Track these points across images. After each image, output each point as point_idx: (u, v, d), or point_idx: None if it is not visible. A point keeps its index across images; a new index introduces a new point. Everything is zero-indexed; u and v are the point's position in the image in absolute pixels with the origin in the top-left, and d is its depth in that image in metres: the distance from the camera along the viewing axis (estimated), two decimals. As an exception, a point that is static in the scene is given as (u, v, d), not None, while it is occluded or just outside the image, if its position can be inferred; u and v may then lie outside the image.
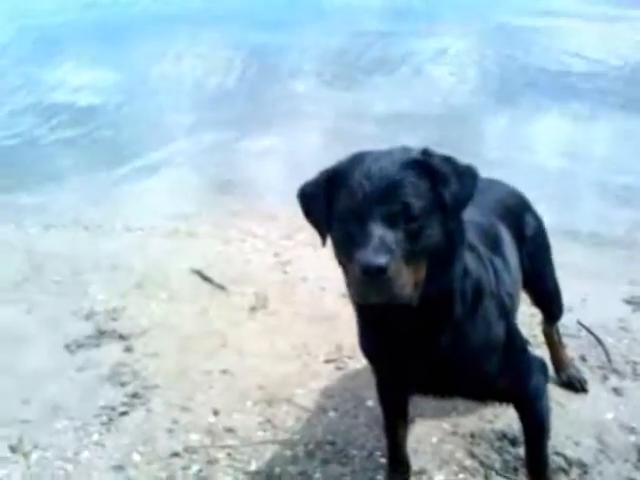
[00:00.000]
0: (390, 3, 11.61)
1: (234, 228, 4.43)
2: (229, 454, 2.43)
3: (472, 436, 2.47)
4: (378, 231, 1.46)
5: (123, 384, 2.87)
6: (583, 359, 2.94)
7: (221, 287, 3.65)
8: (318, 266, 3.85)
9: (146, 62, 8.81)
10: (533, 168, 5.17)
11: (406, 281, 1.48)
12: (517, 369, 1.93)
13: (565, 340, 2.86)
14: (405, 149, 1.64)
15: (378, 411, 2.30)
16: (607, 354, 2.96)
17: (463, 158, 1.65)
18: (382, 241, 1.45)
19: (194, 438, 2.51)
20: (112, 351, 3.13)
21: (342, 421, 2.60)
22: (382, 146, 1.66)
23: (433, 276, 1.56)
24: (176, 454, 2.44)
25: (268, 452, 2.44)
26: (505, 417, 2.50)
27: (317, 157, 5.47)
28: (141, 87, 7.91)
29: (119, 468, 2.39)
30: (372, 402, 2.63)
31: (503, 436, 2.46)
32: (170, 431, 2.56)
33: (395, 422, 2.21)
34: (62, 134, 6.60)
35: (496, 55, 8.33)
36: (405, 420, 2.23)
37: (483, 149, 5.55)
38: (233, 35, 9.99)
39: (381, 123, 6.24)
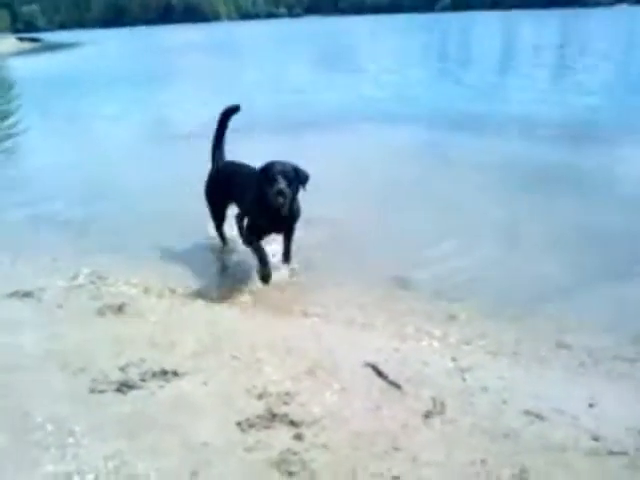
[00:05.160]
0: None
1: (411, 325, 4.31)
2: None
3: None
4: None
5: (291, 474, 2.77)
6: None
7: (396, 385, 3.51)
8: (500, 376, 3.64)
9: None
10: None
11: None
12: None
13: None
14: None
15: None
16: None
17: None
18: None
19: None
20: (282, 436, 3.06)
21: None
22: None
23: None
24: None
25: None
26: None
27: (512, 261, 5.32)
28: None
29: None
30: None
31: None
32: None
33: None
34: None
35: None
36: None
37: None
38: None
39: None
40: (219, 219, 5.90)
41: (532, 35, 43.56)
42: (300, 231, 5.43)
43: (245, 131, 10.09)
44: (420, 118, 11.86)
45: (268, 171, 4.87)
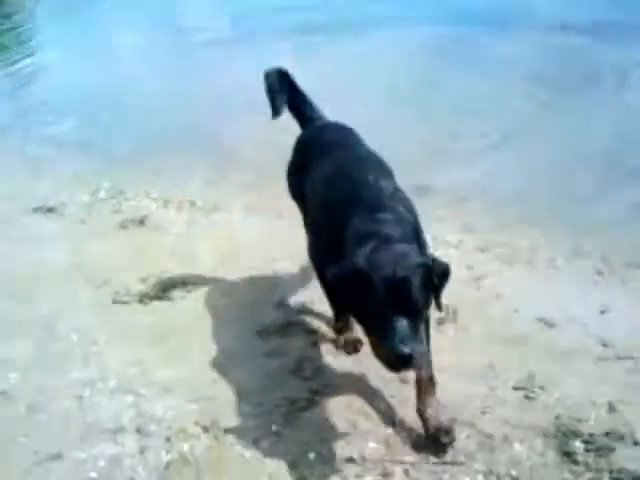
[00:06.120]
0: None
1: (427, 233, 4.29)
2: (405, 470, 2.35)
3: None
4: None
5: (306, 379, 2.90)
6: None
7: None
8: (514, 284, 3.67)
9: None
10: None
11: None
12: None
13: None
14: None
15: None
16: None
17: None
18: None
19: (371, 446, 2.46)
20: (298, 344, 3.18)
21: (528, 456, 2.41)
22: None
23: None
24: (351, 460, 2.41)
25: (446, 475, 2.33)
26: None
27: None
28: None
29: (293, 465, 2.41)
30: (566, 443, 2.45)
31: None
32: (348, 435, 2.54)
33: None
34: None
35: None
36: None
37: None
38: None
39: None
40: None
41: None
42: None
43: (247, 39, 9.81)
44: (432, 18, 11.21)
45: (371, 288, 2.23)
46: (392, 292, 2.19)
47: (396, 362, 2.20)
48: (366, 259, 2.29)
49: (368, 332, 2.32)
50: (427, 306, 2.35)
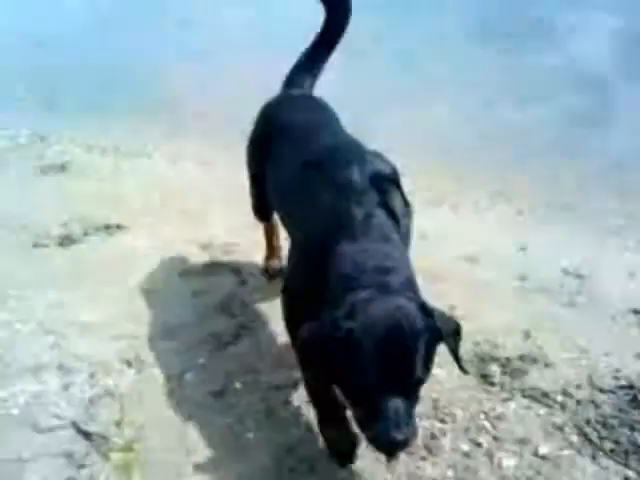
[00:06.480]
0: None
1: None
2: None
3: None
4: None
5: (233, 315, 2.91)
6: None
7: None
8: (438, 225, 3.73)
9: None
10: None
11: None
12: None
13: None
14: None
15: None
16: None
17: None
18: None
19: (297, 376, 2.49)
20: (225, 283, 3.17)
21: (448, 379, 2.50)
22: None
23: None
24: (278, 388, 2.45)
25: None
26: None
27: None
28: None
29: (220, 393, 2.43)
30: (484, 368, 2.54)
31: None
32: (274, 365, 2.57)
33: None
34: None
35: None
36: None
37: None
38: None
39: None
40: (257, 195, 3.06)
41: None
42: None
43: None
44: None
45: (360, 357, 1.77)
46: (387, 365, 1.75)
47: (387, 448, 1.82)
48: (354, 317, 1.79)
49: (352, 405, 1.90)
50: (427, 376, 1.89)
